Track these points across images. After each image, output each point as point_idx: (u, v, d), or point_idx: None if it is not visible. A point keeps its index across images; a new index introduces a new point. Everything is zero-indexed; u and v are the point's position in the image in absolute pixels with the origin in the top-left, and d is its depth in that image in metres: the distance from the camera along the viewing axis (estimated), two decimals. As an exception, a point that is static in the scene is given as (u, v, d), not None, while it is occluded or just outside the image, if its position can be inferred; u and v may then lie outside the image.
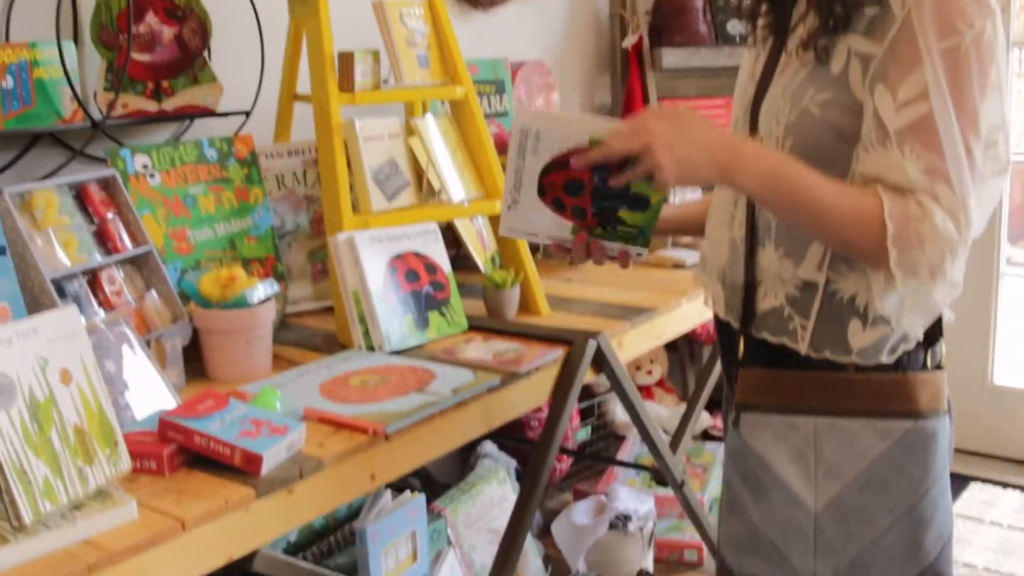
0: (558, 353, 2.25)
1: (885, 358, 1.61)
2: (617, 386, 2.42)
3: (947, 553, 1.68)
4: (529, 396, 2.19)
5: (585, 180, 1.61)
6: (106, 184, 2.17)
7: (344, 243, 2.26)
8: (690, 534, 3.36)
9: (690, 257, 3.07)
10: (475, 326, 2.43)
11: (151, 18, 2.51)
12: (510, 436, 3.34)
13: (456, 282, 2.44)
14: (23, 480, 1.39)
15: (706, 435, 4.03)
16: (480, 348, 2.25)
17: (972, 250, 1.53)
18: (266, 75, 2.77)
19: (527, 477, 2.29)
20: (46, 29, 2.38)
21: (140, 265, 2.17)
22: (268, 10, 2.73)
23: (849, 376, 1.62)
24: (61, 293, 1.97)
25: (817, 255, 1.61)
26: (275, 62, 2.73)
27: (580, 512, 3.24)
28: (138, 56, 2.49)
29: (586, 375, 2.29)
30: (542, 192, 1.66)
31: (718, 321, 1.84)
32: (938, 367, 1.66)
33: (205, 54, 2.59)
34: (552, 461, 2.28)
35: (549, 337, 2.34)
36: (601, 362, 2.33)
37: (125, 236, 2.15)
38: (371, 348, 2.25)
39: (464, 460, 3.33)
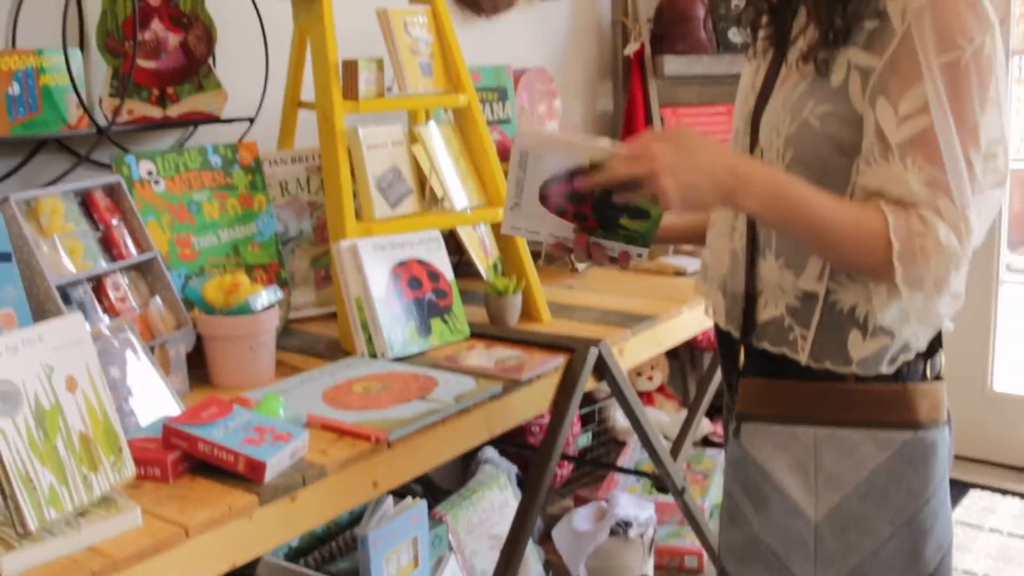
0: (559, 361, 2.25)
1: (885, 368, 1.61)
2: (618, 393, 2.43)
3: (947, 563, 1.69)
4: (531, 403, 2.20)
5: (586, 191, 1.62)
6: (111, 191, 2.18)
7: (347, 250, 2.27)
8: (690, 540, 3.37)
9: (691, 265, 3.08)
10: (477, 333, 2.44)
11: (156, 25, 2.53)
12: (511, 442, 3.34)
13: (458, 289, 2.45)
14: (28, 487, 1.40)
15: (707, 441, 4.04)
16: (482, 355, 2.26)
17: (972, 257, 1.53)
18: (270, 82, 2.79)
19: (528, 484, 2.30)
20: (52, 36, 2.40)
21: (145, 271, 2.18)
22: (273, 18, 2.75)
23: (849, 386, 1.63)
24: (66, 299, 1.97)
25: (817, 266, 1.62)
26: (279, 69, 2.75)
27: (581, 518, 3.25)
28: (143, 63, 2.51)
29: (587, 382, 2.30)
30: (544, 199, 1.67)
31: (719, 330, 1.85)
32: (938, 378, 1.67)
33: (210, 61, 2.61)
34: (553, 468, 2.29)
35: (551, 344, 2.34)
36: (602, 370, 2.34)
37: (130, 242, 2.16)
38: (374, 355, 2.26)
39: (465, 466, 3.34)
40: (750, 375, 1.74)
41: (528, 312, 2.57)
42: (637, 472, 3.50)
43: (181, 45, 2.57)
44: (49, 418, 1.45)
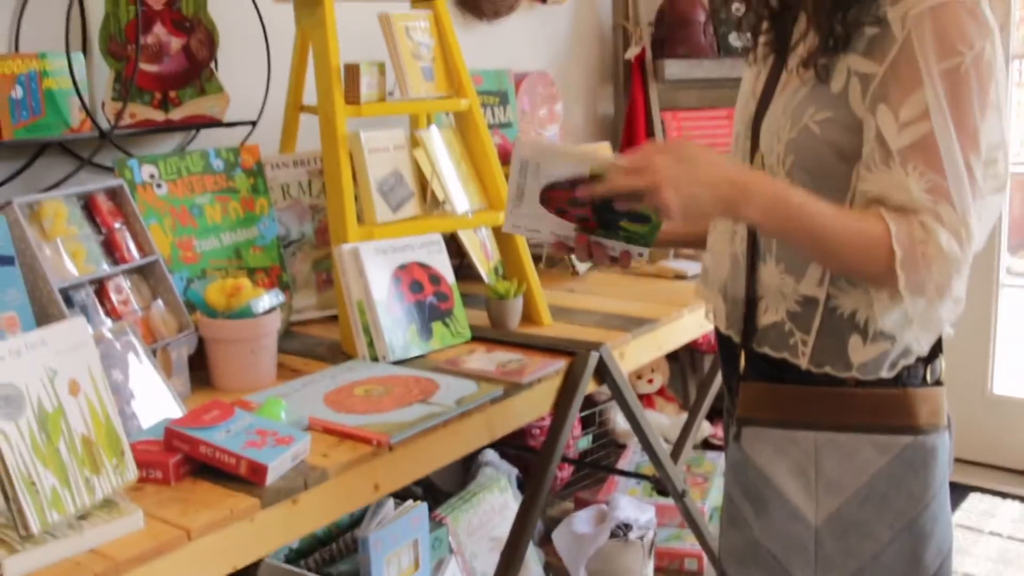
0: (560, 364, 2.26)
1: (885, 373, 1.62)
2: (619, 396, 2.43)
3: (947, 567, 1.69)
4: (532, 406, 2.20)
5: (586, 199, 1.62)
6: (114, 194, 2.18)
7: (349, 254, 2.27)
8: (690, 543, 3.38)
9: (692, 268, 3.09)
10: (478, 336, 2.45)
11: (159, 29, 2.54)
12: (511, 444, 3.34)
13: (459, 292, 2.46)
14: (31, 490, 1.40)
15: (707, 444, 4.04)
16: (483, 359, 2.26)
17: (972, 261, 1.53)
18: (272, 86, 2.79)
19: (529, 486, 2.30)
20: (55, 40, 2.41)
21: (147, 274, 2.19)
22: (275, 22, 2.76)
23: (849, 391, 1.63)
24: (69, 302, 1.98)
25: (818, 271, 1.62)
26: (281, 73, 2.75)
27: (581, 521, 3.25)
28: (146, 67, 2.52)
29: (588, 386, 2.30)
30: (544, 202, 1.67)
31: (719, 335, 1.85)
32: (938, 383, 1.67)
33: (212, 65, 2.62)
34: (554, 471, 2.30)
35: (552, 348, 2.35)
36: (603, 373, 2.34)
37: (132, 246, 2.16)
38: (375, 358, 2.26)
39: (466, 468, 3.34)
40: (750, 379, 1.74)
41: (529, 315, 2.58)
42: (637, 475, 3.50)
43: (183, 49, 2.58)
44: (52, 421, 1.46)
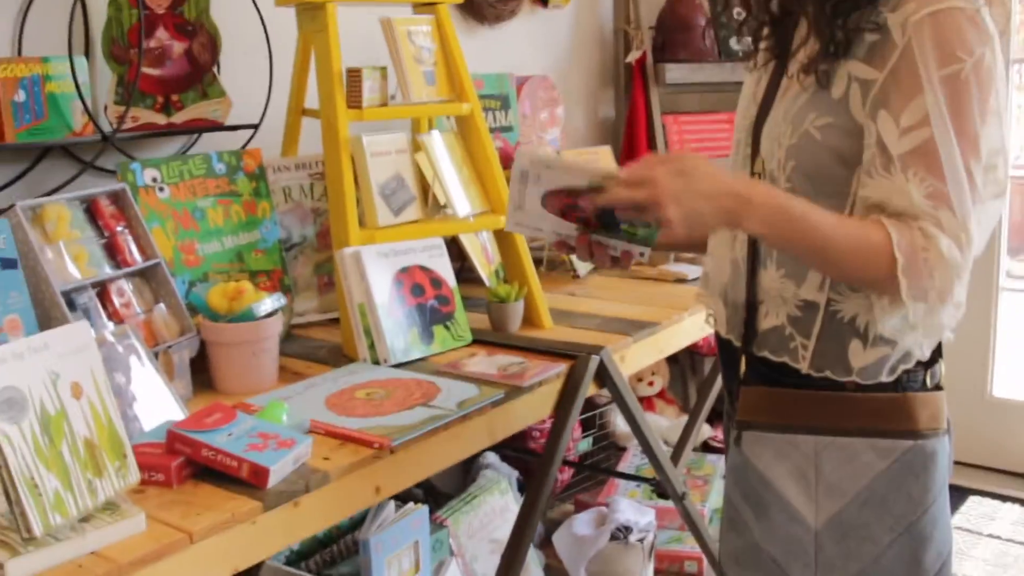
0: (561, 367, 2.26)
1: (885, 377, 1.62)
2: (619, 400, 2.44)
3: (947, 570, 1.70)
4: (532, 410, 2.21)
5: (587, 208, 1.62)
6: (116, 198, 2.19)
7: (350, 257, 2.28)
8: (690, 545, 3.38)
9: (692, 271, 3.09)
10: (479, 339, 2.45)
11: (161, 33, 2.55)
12: (512, 447, 3.35)
13: (460, 295, 2.46)
14: (34, 492, 1.41)
15: (707, 447, 4.05)
16: (484, 362, 2.27)
17: (972, 265, 1.54)
18: (274, 90, 2.80)
19: (529, 489, 2.31)
20: (58, 44, 2.42)
21: (149, 277, 2.20)
22: (277, 26, 2.77)
23: (849, 395, 1.64)
24: (71, 305, 1.99)
25: (818, 276, 1.63)
26: (283, 77, 2.76)
27: (581, 523, 3.26)
28: (148, 70, 2.53)
29: (588, 389, 2.31)
30: (545, 205, 1.67)
31: (719, 339, 1.86)
32: (937, 387, 1.68)
33: (214, 69, 2.62)
34: (555, 474, 2.30)
35: (552, 351, 2.36)
36: (604, 376, 2.35)
37: (134, 249, 2.17)
38: (376, 361, 2.27)
39: (466, 471, 3.35)
40: (751, 383, 1.75)
41: (530, 319, 2.58)
42: (637, 477, 3.51)
43: (186, 53, 2.59)
44: (54, 424, 1.46)
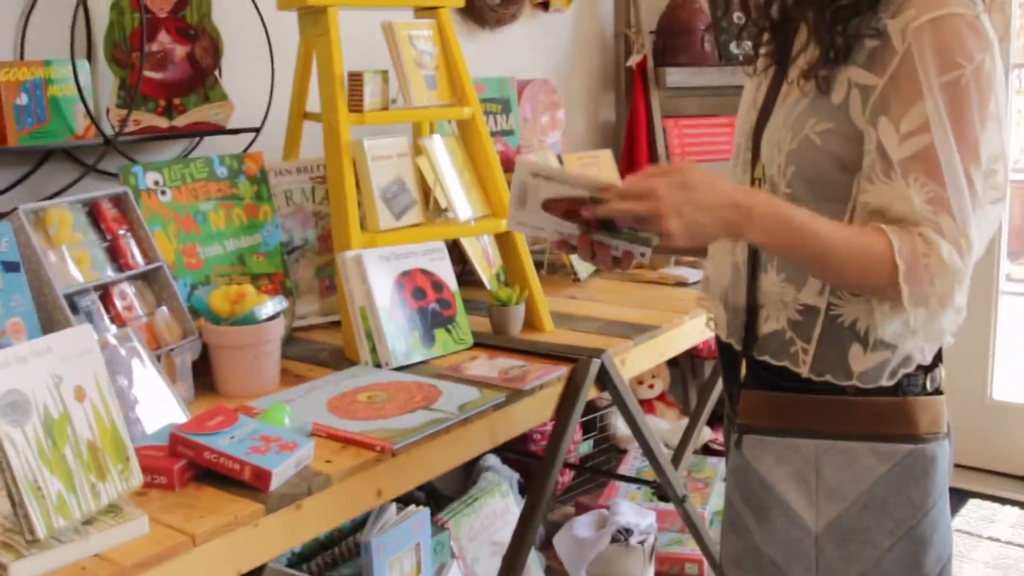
0: (562, 371, 2.27)
1: (885, 382, 1.63)
2: (620, 403, 2.44)
3: (947, 573, 1.70)
4: (534, 413, 2.21)
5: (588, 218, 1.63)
6: (118, 201, 2.20)
7: (352, 260, 2.29)
8: (691, 548, 3.38)
9: (693, 275, 3.10)
10: (480, 343, 2.46)
11: (163, 37, 2.55)
12: (513, 449, 3.36)
13: (462, 299, 2.47)
14: (37, 495, 1.41)
15: (707, 449, 4.06)
16: (485, 365, 2.28)
17: (972, 268, 1.55)
18: (276, 93, 2.81)
19: (531, 492, 2.31)
20: (60, 47, 2.43)
21: (151, 281, 2.20)
22: (278, 30, 2.77)
23: (850, 399, 1.65)
24: (74, 308, 2.00)
25: (818, 280, 1.64)
26: (285, 81, 2.77)
27: (582, 525, 3.26)
28: (150, 74, 2.53)
29: (590, 392, 2.31)
30: (547, 209, 1.68)
31: (720, 342, 1.86)
32: (937, 391, 1.68)
33: (216, 72, 2.63)
34: (556, 477, 2.31)
35: (553, 355, 2.36)
36: (604, 380, 2.35)
37: (137, 252, 2.18)
38: (377, 364, 2.27)
39: (467, 473, 3.35)
40: (751, 387, 1.76)
41: (531, 322, 2.59)
42: (638, 480, 3.51)
43: (188, 57, 2.59)
44: (58, 427, 1.47)
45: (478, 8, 3.51)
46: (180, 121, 2.59)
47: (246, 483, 1.66)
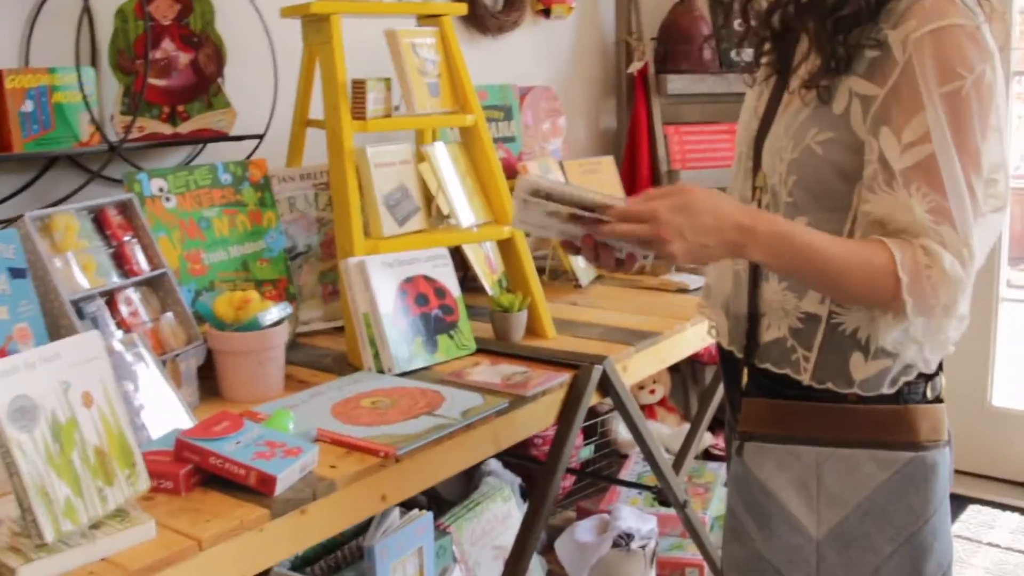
0: (564, 377, 2.28)
1: (886, 389, 1.63)
2: (621, 408, 2.45)
3: (947, 580, 1.72)
4: (536, 419, 2.22)
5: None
6: (123, 208, 2.21)
7: (355, 267, 2.30)
8: (692, 553, 3.39)
9: (694, 281, 3.11)
10: (483, 349, 2.47)
11: (167, 44, 2.57)
12: (514, 454, 3.36)
13: (465, 304, 2.48)
14: (45, 500, 1.42)
15: (708, 454, 4.06)
16: (488, 371, 2.29)
17: (974, 276, 1.56)
18: (279, 101, 2.82)
19: (533, 498, 2.32)
20: (65, 55, 2.44)
21: (156, 287, 2.21)
22: (282, 37, 2.79)
23: (851, 407, 1.65)
24: (80, 314, 2.01)
25: None
26: (288, 88, 2.78)
27: (583, 530, 3.27)
28: (154, 81, 2.55)
29: (591, 398, 2.32)
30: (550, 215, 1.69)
31: (721, 350, 1.87)
32: (938, 399, 1.69)
33: (220, 80, 2.64)
34: (558, 483, 2.32)
35: (556, 361, 2.37)
36: (606, 386, 2.36)
37: (142, 258, 2.19)
38: (381, 370, 2.29)
39: (469, 478, 3.36)
40: (753, 394, 1.76)
41: (533, 328, 2.60)
42: (639, 485, 3.52)
43: (192, 64, 2.61)
44: (65, 433, 1.48)
45: (480, 15, 3.52)
46: (184, 128, 2.60)
47: (251, 488, 1.67)
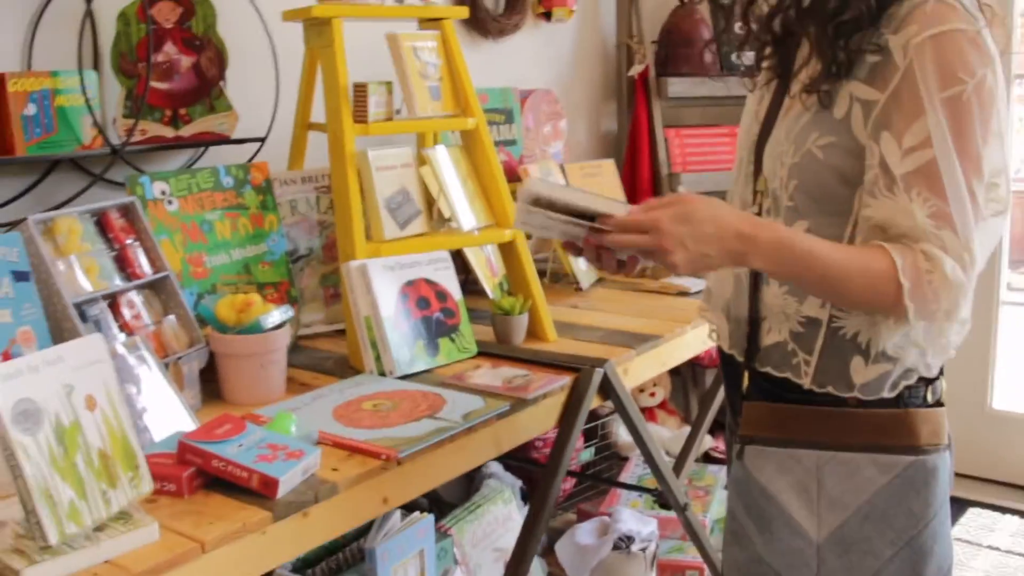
0: (565, 380, 2.28)
1: (887, 393, 1.64)
2: (622, 411, 2.45)
3: (947, 583, 1.72)
4: (537, 421, 2.23)
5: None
6: (126, 211, 2.22)
7: (357, 270, 2.30)
8: (692, 555, 3.39)
9: (694, 284, 3.11)
10: (484, 352, 2.48)
11: (169, 47, 2.57)
12: (515, 457, 3.36)
13: (466, 307, 2.49)
14: (49, 502, 1.43)
15: (708, 457, 4.07)
16: (489, 374, 2.29)
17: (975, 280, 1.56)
18: (280, 104, 2.82)
19: (534, 501, 2.32)
20: (67, 58, 2.45)
21: (158, 289, 2.22)
22: (283, 41, 2.80)
23: (851, 411, 1.65)
24: (83, 317, 2.01)
25: None
26: (290, 91, 2.79)
27: (584, 532, 3.27)
28: (157, 84, 2.55)
29: (592, 401, 2.33)
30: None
31: (722, 354, 1.88)
32: (938, 403, 1.69)
33: (221, 83, 2.65)
34: (559, 486, 2.32)
35: (556, 364, 2.38)
36: (607, 389, 2.37)
37: (144, 261, 2.19)
38: (382, 373, 2.29)
39: (470, 480, 3.36)
40: (753, 398, 1.77)
41: (534, 331, 2.60)
42: (639, 488, 3.52)
43: (193, 67, 2.61)
44: (69, 436, 1.48)
45: (481, 18, 3.53)
46: (186, 131, 2.61)
47: (254, 491, 1.67)
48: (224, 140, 2.67)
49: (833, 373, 1.65)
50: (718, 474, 3.80)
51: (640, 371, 2.56)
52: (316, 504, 1.71)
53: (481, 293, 2.93)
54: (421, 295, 2.38)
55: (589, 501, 3.75)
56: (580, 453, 3.69)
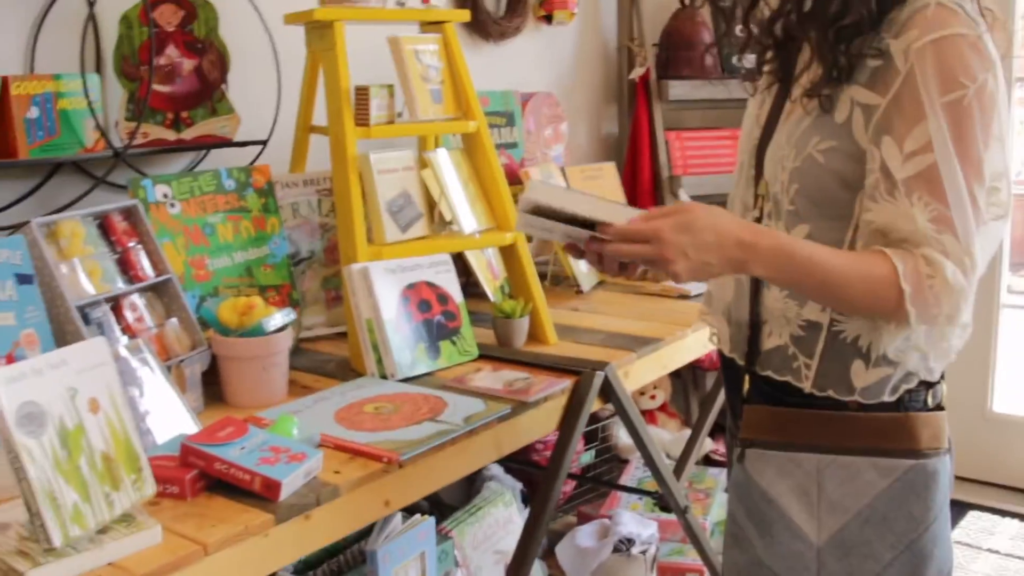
0: (566, 383, 2.29)
1: (887, 397, 1.64)
2: (623, 414, 2.46)
3: (948, 587, 1.72)
4: (538, 424, 2.23)
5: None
6: (128, 214, 2.22)
7: (358, 273, 2.31)
8: (692, 558, 3.39)
9: (695, 287, 3.11)
10: (485, 355, 2.48)
11: (171, 51, 2.58)
12: (516, 459, 3.36)
13: (467, 310, 2.49)
14: (53, 505, 1.43)
15: (708, 460, 4.07)
16: (490, 377, 2.29)
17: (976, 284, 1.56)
18: (282, 107, 2.83)
19: (535, 504, 2.33)
20: (70, 61, 2.45)
21: (161, 292, 2.22)
22: (285, 44, 2.80)
23: (852, 415, 1.66)
24: (86, 320, 2.01)
25: None
26: (291, 94, 2.79)
27: (584, 535, 3.28)
28: (159, 87, 2.56)
29: (593, 404, 2.33)
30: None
31: (723, 357, 1.88)
32: (939, 407, 1.69)
33: (223, 86, 2.65)
34: (560, 489, 2.33)
35: (557, 367, 2.38)
36: (608, 392, 2.37)
37: (147, 264, 2.20)
38: (383, 376, 2.30)
39: (471, 483, 3.37)
40: (754, 401, 1.77)
41: (535, 334, 2.61)
42: (640, 490, 3.52)
43: (195, 70, 2.62)
44: (73, 439, 1.49)
45: (482, 21, 3.53)
46: (188, 134, 2.61)
47: (256, 493, 1.68)
48: (226, 143, 2.67)
49: (834, 377, 1.66)
50: (718, 477, 3.81)
51: (641, 374, 2.57)
52: (318, 507, 1.71)
53: (482, 296, 2.94)
54: (422, 298, 2.39)
55: (589, 504, 3.76)
56: (581, 456, 3.69)
